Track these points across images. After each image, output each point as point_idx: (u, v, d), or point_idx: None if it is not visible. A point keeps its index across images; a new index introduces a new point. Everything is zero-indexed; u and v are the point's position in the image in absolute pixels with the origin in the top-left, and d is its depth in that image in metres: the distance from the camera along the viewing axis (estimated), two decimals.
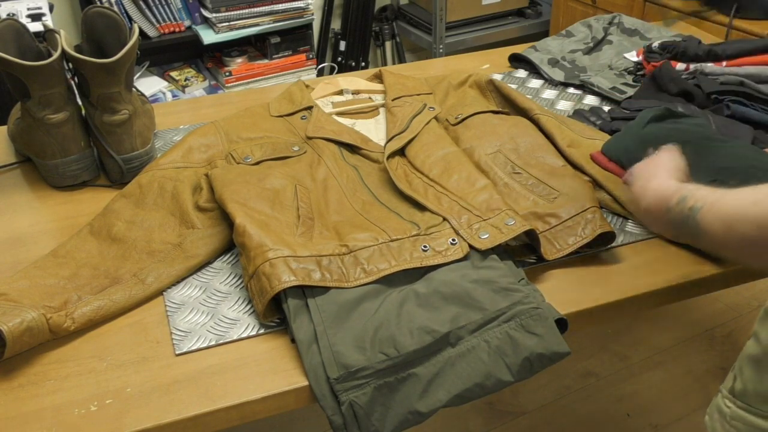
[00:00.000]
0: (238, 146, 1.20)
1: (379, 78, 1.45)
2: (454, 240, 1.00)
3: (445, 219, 1.04)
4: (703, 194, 0.77)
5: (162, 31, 2.72)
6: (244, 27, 2.77)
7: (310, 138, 1.23)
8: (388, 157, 1.18)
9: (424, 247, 0.99)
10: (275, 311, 0.95)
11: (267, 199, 1.07)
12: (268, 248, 0.94)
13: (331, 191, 1.12)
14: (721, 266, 1.02)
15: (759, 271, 0.91)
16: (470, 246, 1.01)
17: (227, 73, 2.87)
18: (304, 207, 1.07)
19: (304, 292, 0.93)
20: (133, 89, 1.25)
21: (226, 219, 1.06)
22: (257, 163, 1.16)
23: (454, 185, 1.11)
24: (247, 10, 2.75)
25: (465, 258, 0.99)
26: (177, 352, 0.91)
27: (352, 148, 1.22)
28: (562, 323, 0.93)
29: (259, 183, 1.10)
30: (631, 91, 1.46)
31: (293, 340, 0.91)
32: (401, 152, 1.21)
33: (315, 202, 1.09)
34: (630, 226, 1.12)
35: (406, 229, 1.02)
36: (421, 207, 1.08)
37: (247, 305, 0.98)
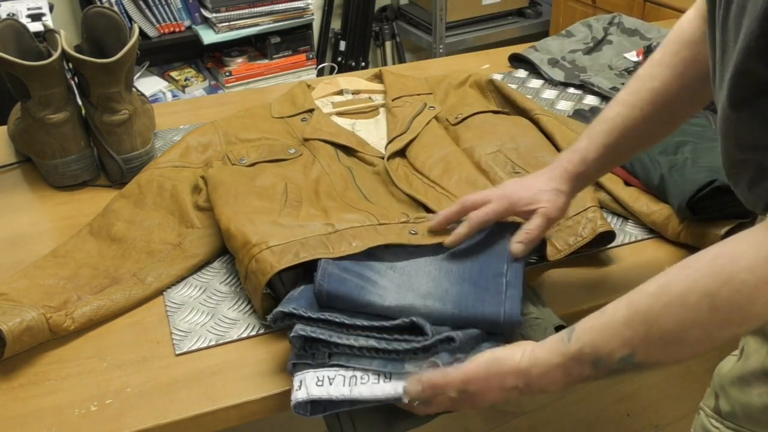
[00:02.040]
0: (235, 148, 1.20)
1: (379, 78, 1.45)
2: None
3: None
4: (613, 342, 0.70)
5: (162, 31, 2.72)
6: (244, 27, 2.77)
7: (307, 140, 1.23)
8: (389, 158, 1.18)
9: (412, 231, 0.98)
10: None
11: (255, 194, 1.06)
12: (252, 245, 0.94)
13: (322, 185, 1.11)
14: None
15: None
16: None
17: (227, 73, 2.87)
18: (292, 197, 1.07)
19: None
20: (133, 89, 1.25)
21: None
22: (252, 165, 1.16)
23: (455, 186, 1.11)
24: (247, 10, 2.75)
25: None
26: (177, 352, 0.91)
27: (349, 151, 1.22)
28: (561, 328, 0.92)
29: (249, 181, 1.10)
30: None
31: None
32: (402, 153, 1.21)
33: (305, 194, 1.09)
34: (630, 227, 1.12)
35: (394, 216, 1.01)
36: (411, 209, 1.08)
37: (247, 305, 0.98)
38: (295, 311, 0.84)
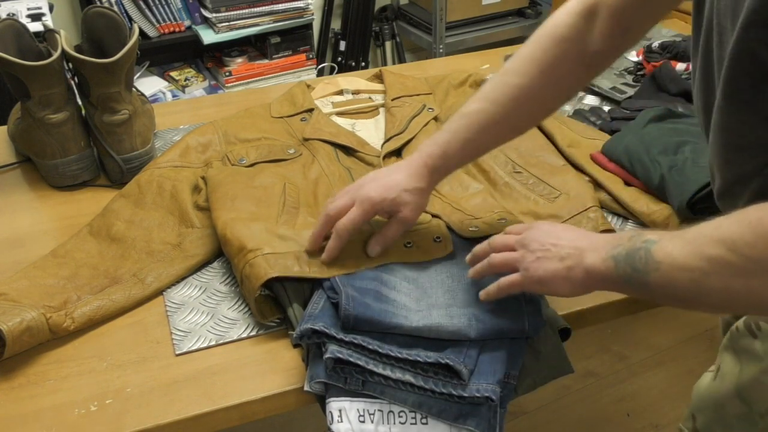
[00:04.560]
0: (235, 148, 1.20)
1: (379, 78, 1.45)
2: (438, 237, 1.00)
3: (435, 216, 1.04)
4: (661, 232, 0.71)
5: (162, 31, 2.72)
6: (244, 27, 2.77)
7: (306, 140, 1.22)
8: (384, 157, 1.18)
9: (408, 243, 0.99)
10: (275, 311, 0.95)
11: (253, 198, 1.06)
12: (248, 250, 0.94)
13: (320, 187, 1.12)
14: None
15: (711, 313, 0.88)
16: (461, 238, 1.01)
17: (227, 73, 2.87)
18: (290, 200, 1.07)
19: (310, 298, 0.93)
20: (133, 89, 1.25)
21: None
22: (251, 165, 1.16)
23: (447, 189, 1.11)
24: (247, 10, 2.75)
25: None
26: (177, 352, 0.91)
27: (348, 150, 1.22)
28: (565, 330, 0.93)
29: (248, 181, 1.10)
30: (631, 91, 1.46)
31: (296, 345, 0.91)
32: (398, 153, 1.21)
33: (303, 197, 1.09)
34: (630, 227, 1.12)
35: None
36: None
37: (246, 305, 0.98)
38: (326, 330, 0.83)
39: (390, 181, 0.94)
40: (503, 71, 0.93)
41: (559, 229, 0.82)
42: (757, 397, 0.71)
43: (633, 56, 1.61)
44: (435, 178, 0.96)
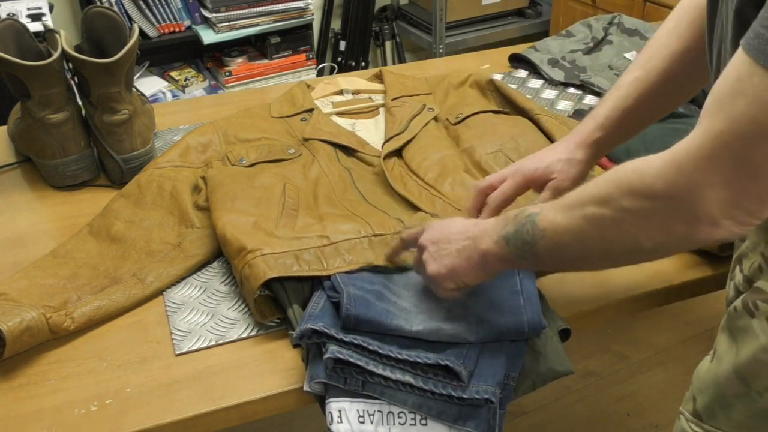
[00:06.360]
0: (235, 148, 1.20)
1: (379, 78, 1.45)
2: None
3: (435, 216, 1.04)
4: (541, 205, 0.76)
5: (162, 31, 2.72)
6: (244, 27, 2.77)
7: (306, 140, 1.22)
8: (385, 158, 1.18)
9: None
10: (274, 311, 0.95)
11: (253, 198, 1.07)
12: (247, 251, 0.95)
13: (320, 188, 1.12)
14: (720, 266, 1.02)
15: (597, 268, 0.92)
16: None
17: (227, 73, 2.87)
18: (290, 202, 1.07)
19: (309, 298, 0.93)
20: (133, 89, 1.25)
21: None
22: (251, 165, 1.16)
23: (449, 189, 1.11)
24: (247, 10, 2.75)
25: None
26: (177, 352, 0.91)
27: (348, 151, 1.22)
28: (565, 331, 0.93)
29: (248, 181, 1.10)
30: None
31: (296, 345, 0.91)
32: (398, 153, 1.21)
33: (303, 198, 1.09)
34: None
35: (390, 225, 1.02)
36: (409, 210, 1.08)
37: (246, 305, 0.98)
38: (326, 330, 0.84)
39: (543, 154, 0.95)
40: (649, 46, 0.92)
41: (447, 224, 0.86)
42: (755, 376, 0.71)
43: (633, 56, 1.61)
44: (593, 151, 0.95)
